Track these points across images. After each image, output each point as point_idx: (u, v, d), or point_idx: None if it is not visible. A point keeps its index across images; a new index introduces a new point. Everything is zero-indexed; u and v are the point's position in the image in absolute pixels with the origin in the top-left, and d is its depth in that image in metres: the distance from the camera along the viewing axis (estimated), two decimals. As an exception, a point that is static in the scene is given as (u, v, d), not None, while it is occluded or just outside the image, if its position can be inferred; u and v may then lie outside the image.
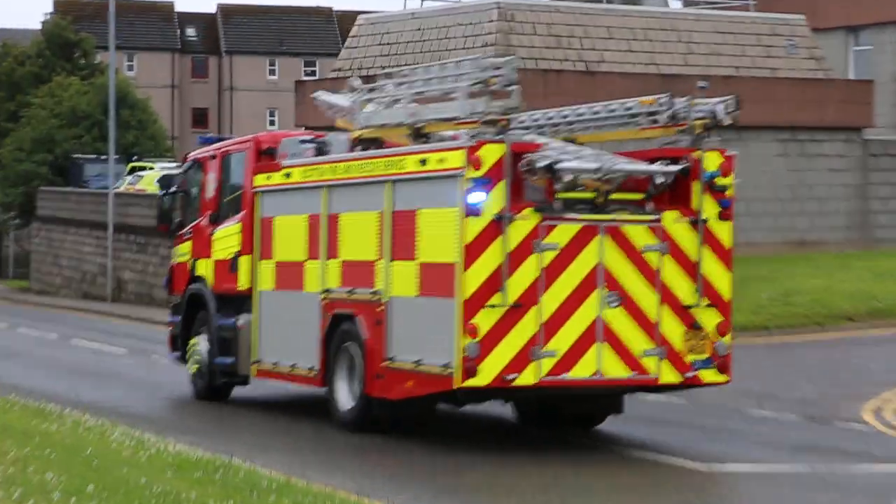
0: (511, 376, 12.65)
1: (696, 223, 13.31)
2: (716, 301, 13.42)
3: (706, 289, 13.35)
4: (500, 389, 12.93)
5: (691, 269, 13.28)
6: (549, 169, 12.66)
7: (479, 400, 14.04)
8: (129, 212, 44.14)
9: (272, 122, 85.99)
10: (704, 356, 13.38)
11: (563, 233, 12.87)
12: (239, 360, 16.17)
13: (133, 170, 49.70)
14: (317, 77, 73.04)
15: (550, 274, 12.83)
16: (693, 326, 13.32)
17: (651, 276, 13.17)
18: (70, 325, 34.77)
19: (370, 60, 37.83)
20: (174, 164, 50.71)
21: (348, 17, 66.91)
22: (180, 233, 18.04)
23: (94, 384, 20.10)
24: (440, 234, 12.96)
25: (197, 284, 17.29)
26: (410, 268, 13.36)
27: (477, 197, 12.56)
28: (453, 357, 12.61)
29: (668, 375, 13.29)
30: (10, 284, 59.81)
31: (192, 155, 18.18)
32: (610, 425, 15.60)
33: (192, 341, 17.26)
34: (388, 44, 37.88)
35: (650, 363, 13.19)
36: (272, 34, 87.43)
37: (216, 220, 16.95)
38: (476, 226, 12.57)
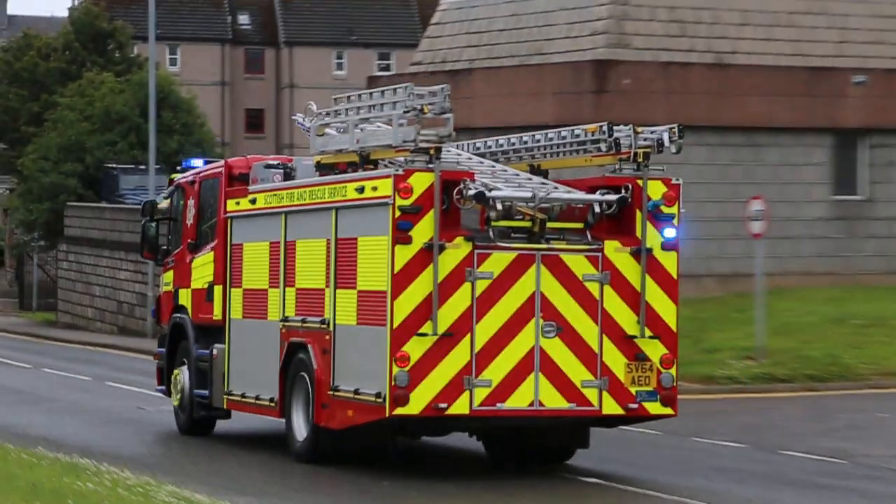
0: (443, 405, 14.69)
1: (640, 252, 15.08)
2: (661, 332, 15.24)
3: (650, 320, 15.16)
4: (432, 419, 14.89)
5: (634, 299, 15.09)
6: (481, 197, 14.61)
7: (428, 432, 16.17)
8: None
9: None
10: (649, 388, 15.10)
11: (497, 261, 14.82)
12: (213, 391, 18.32)
13: (177, 182, 50.05)
14: (392, 72, 73.36)
15: (484, 303, 14.82)
16: (637, 357, 15.13)
17: (591, 305, 15.04)
18: (104, 364, 35.09)
19: (456, 52, 37.90)
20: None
21: (429, 2, 67.22)
22: (165, 261, 20.25)
23: (135, 435, 20.24)
24: (374, 262, 15.07)
25: (180, 314, 19.51)
26: (351, 296, 15.51)
27: (405, 225, 14.60)
28: (384, 386, 14.61)
29: (611, 407, 15.10)
30: (33, 317, 60.56)
31: (177, 180, 20.26)
32: (744, 485, 15.41)
33: (175, 373, 19.36)
34: (476, 32, 37.93)
35: (591, 394, 15.04)
36: (339, 22, 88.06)
37: (195, 249, 19.09)
38: (405, 254, 14.61)
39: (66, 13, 75.98)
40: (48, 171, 55.72)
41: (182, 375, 19.02)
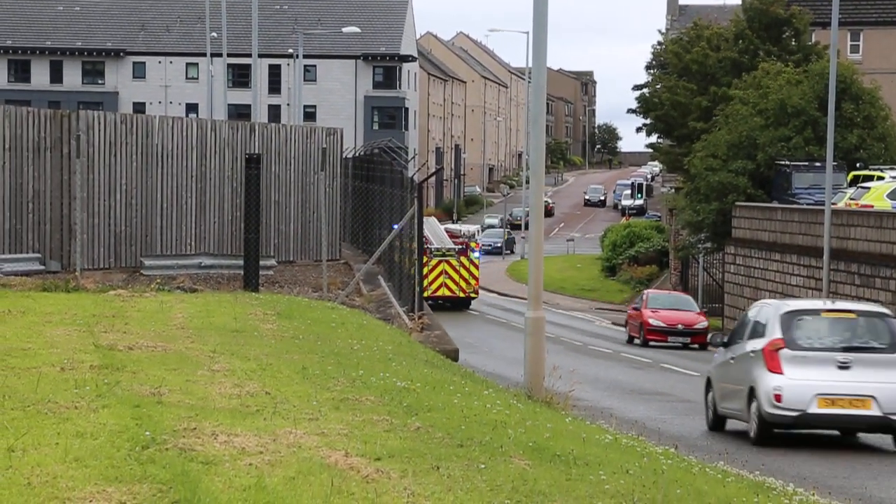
0: (428, 293, 49.08)
1: (469, 259, 61.31)
2: (475, 278, 61.82)
3: (471, 275, 61.41)
4: (431, 297, 55.25)
5: (467, 270, 61.30)
6: (427, 250, 53.95)
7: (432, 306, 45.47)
8: (850, 234, 43.93)
9: None
10: (472, 290, 61.55)
11: (435, 261, 60.03)
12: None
13: (855, 179, 49.20)
14: None
15: (432, 270, 59.49)
16: (468, 283, 61.24)
17: (457, 272, 60.94)
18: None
19: None
20: (910, 174, 49.66)
21: None
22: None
23: (801, 453, 20.23)
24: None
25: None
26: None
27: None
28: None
29: (462, 294, 61.37)
30: (697, 323, 61.48)
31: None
32: None
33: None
34: None
35: (458, 291, 61.31)
36: None
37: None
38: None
39: (738, 1, 76.64)
40: (717, 170, 56.22)
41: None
